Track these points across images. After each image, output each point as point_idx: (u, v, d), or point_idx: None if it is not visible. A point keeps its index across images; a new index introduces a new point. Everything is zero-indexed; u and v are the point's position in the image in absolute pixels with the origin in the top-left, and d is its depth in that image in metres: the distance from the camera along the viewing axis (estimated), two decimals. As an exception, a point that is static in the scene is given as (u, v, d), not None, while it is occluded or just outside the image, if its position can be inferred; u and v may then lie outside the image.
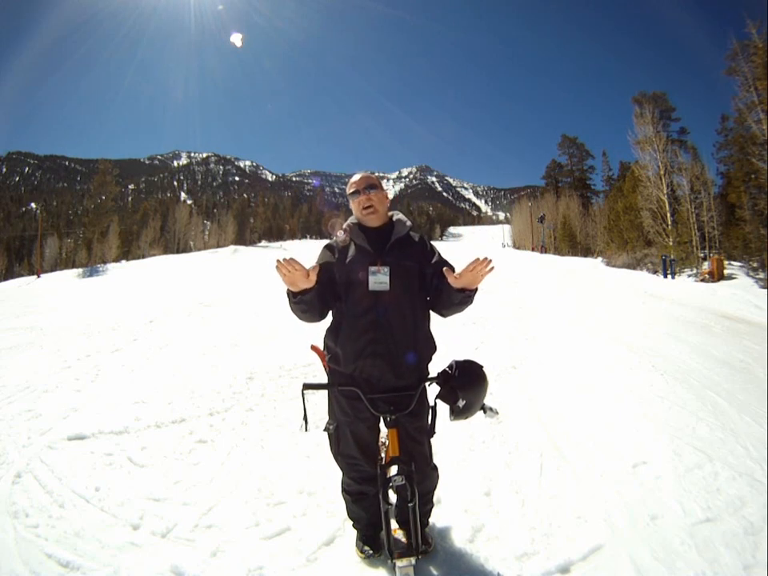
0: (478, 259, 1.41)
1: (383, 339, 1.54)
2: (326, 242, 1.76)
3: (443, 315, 1.67)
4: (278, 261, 1.38)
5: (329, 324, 1.68)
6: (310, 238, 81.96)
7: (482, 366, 1.61)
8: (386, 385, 1.57)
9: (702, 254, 17.97)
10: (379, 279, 1.55)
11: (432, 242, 1.74)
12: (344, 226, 1.70)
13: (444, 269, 1.48)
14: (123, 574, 1.68)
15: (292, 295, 1.48)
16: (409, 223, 1.70)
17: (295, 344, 5.40)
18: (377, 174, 1.77)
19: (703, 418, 3.08)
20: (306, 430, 1.60)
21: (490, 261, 1.41)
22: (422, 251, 1.66)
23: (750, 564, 1.69)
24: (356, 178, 1.69)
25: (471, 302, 1.55)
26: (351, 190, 1.67)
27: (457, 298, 1.50)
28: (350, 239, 1.65)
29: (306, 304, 1.49)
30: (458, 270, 1.48)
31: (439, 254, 1.69)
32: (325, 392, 1.66)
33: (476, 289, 1.50)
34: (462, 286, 1.46)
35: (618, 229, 25.48)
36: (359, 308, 1.56)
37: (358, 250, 1.62)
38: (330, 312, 1.66)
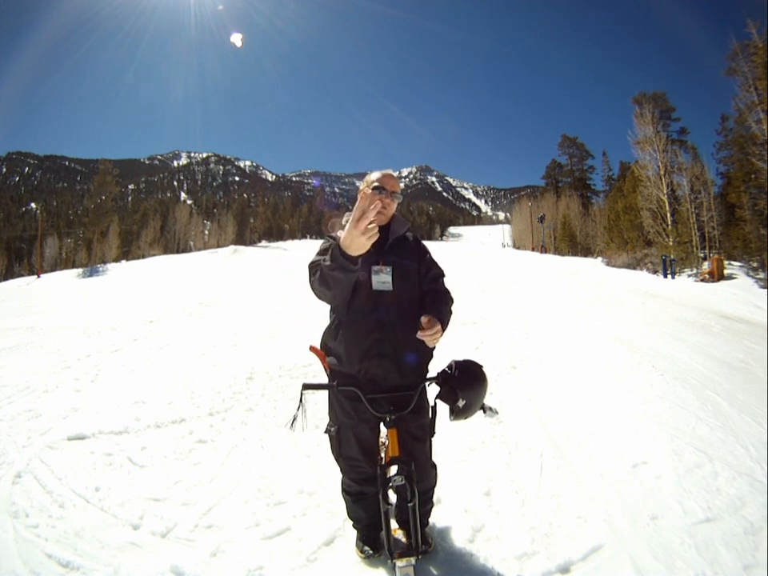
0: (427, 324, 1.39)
1: (387, 339, 1.54)
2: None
3: None
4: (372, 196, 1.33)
5: (328, 323, 1.67)
6: (310, 237, 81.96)
7: (481, 366, 1.60)
8: (390, 384, 1.57)
9: (701, 254, 17.97)
10: (382, 279, 1.55)
11: (424, 242, 1.76)
12: (343, 221, 1.68)
13: (421, 320, 1.41)
14: (123, 574, 1.68)
15: (351, 262, 1.30)
16: (406, 223, 1.70)
17: (295, 344, 5.40)
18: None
19: (703, 418, 3.08)
20: (293, 428, 1.59)
21: (434, 333, 1.38)
22: (418, 250, 1.68)
23: (750, 564, 1.69)
24: (386, 174, 1.63)
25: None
26: (377, 184, 1.60)
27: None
28: None
29: (354, 275, 1.35)
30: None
31: (430, 254, 1.71)
32: (324, 392, 1.66)
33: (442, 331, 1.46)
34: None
35: (618, 229, 25.48)
36: (363, 308, 1.55)
37: None
38: (329, 312, 1.66)
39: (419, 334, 1.40)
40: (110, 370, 4.61)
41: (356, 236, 1.24)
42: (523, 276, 14.82)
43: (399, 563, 1.46)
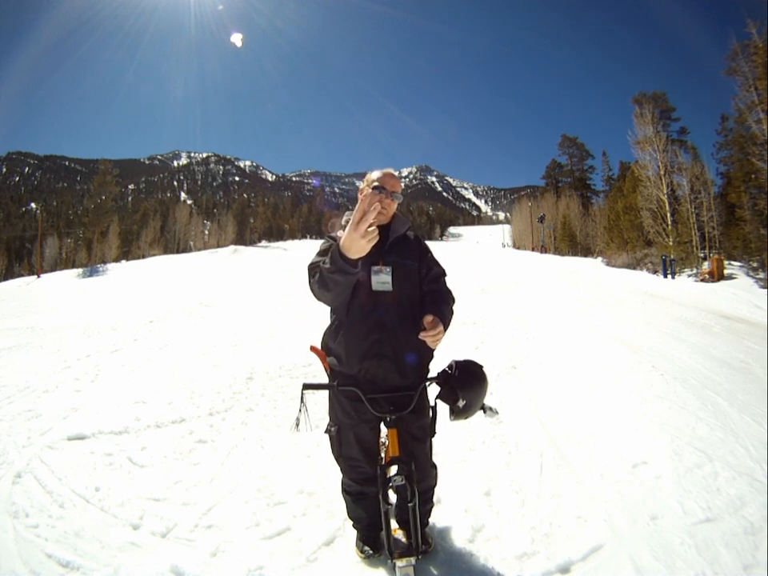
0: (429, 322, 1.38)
1: (387, 339, 1.53)
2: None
3: None
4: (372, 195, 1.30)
5: (328, 324, 1.67)
6: (310, 237, 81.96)
7: (481, 366, 1.60)
8: (390, 384, 1.56)
9: (701, 254, 17.98)
10: (382, 279, 1.54)
11: (425, 242, 1.74)
12: (342, 221, 1.66)
13: (424, 320, 1.40)
14: (123, 574, 1.67)
15: (351, 264, 1.29)
16: (407, 222, 1.69)
17: (295, 344, 5.41)
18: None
19: (703, 418, 3.08)
20: (297, 429, 1.59)
21: (437, 333, 1.37)
22: (419, 249, 1.67)
23: (750, 564, 1.69)
24: (387, 173, 1.61)
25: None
26: (377, 184, 1.57)
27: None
28: None
29: (353, 277, 1.35)
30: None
31: (431, 252, 1.70)
32: (325, 392, 1.66)
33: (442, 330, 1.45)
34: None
35: (618, 229, 25.48)
36: (363, 309, 1.54)
37: None
38: (330, 312, 1.66)
39: (422, 335, 1.39)
40: (110, 370, 4.61)
41: (355, 239, 1.24)
42: (523, 276, 14.82)
43: (399, 563, 1.46)
